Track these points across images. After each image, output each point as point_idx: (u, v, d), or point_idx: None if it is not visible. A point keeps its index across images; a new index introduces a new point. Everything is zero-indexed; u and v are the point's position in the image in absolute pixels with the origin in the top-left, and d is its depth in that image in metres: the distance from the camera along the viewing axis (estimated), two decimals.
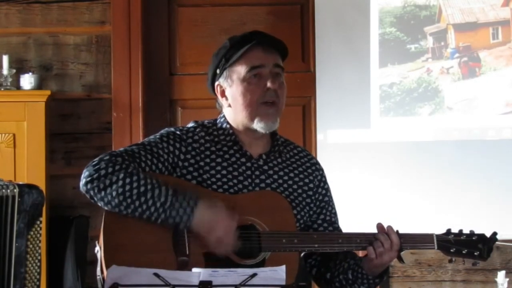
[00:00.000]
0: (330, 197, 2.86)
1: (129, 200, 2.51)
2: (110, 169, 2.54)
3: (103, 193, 2.52)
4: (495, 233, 2.77)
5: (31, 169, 4.26)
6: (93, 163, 2.57)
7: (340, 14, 4.50)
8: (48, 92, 4.36)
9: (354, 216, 4.20)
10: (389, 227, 2.70)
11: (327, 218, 2.82)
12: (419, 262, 4.58)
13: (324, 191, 2.84)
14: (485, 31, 4.50)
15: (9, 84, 4.38)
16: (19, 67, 4.47)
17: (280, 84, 2.72)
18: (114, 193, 2.51)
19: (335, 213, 2.87)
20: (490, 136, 4.48)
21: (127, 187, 2.51)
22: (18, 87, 4.40)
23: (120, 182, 2.51)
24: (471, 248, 2.74)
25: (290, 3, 4.71)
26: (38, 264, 2.59)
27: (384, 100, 4.48)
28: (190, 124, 2.78)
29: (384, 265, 2.69)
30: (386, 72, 4.50)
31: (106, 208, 2.55)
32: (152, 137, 2.71)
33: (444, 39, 4.50)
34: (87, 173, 2.56)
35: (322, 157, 4.35)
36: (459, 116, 4.48)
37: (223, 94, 2.75)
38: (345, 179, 4.38)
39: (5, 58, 4.38)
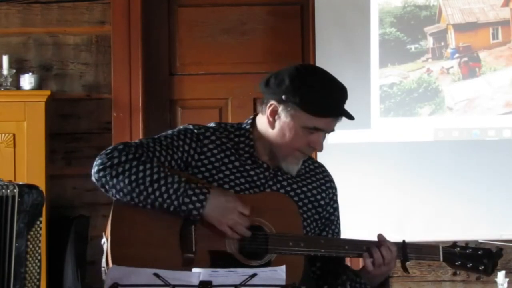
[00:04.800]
0: (337, 216, 2.84)
1: (141, 187, 2.50)
2: (123, 158, 2.54)
3: (115, 180, 2.52)
4: (500, 249, 2.74)
5: (31, 169, 4.26)
6: (107, 152, 2.58)
7: (340, 14, 4.50)
8: (48, 92, 4.36)
9: (354, 216, 4.20)
10: (382, 241, 2.65)
11: (329, 236, 2.79)
12: (419, 262, 4.58)
13: (332, 210, 2.81)
14: (485, 31, 4.50)
15: (9, 84, 4.38)
16: (19, 67, 4.47)
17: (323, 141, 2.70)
18: (126, 180, 2.51)
19: (337, 233, 2.84)
20: (490, 136, 4.47)
21: (140, 174, 2.51)
22: (18, 87, 4.40)
23: (134, 170, 2.51)
24: (476, 262, 2.71)
25: (290, 3, 4.71)
26: (38, 264, 2.59)
27: (384, 100, 4.48)
28: (211, 125, 2.74)
29: (383, 275, 2.67)
30: (386, 72, 4.49)
31: (117, 196, 2.53)
32: (169, 132, 2.69)
33: (444, 39, 4.50)
34: (99, 161, 2.56)
35: (322, 157, 4.33)
36: (459, 116, 4.48)
37: (273, 113, 2.65)
38: (345, 179, 4.36)
39: (5, 58, 4.38)
